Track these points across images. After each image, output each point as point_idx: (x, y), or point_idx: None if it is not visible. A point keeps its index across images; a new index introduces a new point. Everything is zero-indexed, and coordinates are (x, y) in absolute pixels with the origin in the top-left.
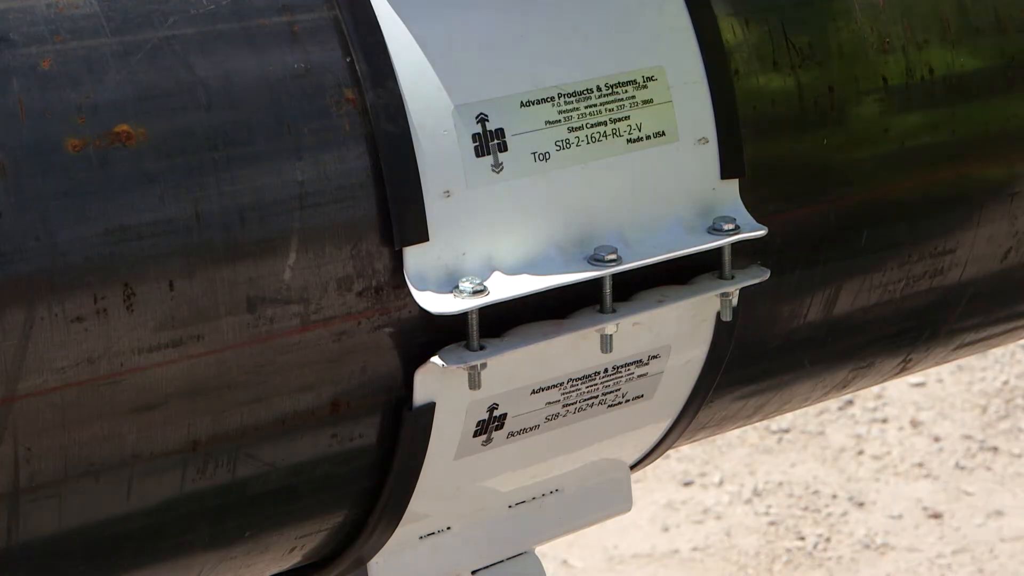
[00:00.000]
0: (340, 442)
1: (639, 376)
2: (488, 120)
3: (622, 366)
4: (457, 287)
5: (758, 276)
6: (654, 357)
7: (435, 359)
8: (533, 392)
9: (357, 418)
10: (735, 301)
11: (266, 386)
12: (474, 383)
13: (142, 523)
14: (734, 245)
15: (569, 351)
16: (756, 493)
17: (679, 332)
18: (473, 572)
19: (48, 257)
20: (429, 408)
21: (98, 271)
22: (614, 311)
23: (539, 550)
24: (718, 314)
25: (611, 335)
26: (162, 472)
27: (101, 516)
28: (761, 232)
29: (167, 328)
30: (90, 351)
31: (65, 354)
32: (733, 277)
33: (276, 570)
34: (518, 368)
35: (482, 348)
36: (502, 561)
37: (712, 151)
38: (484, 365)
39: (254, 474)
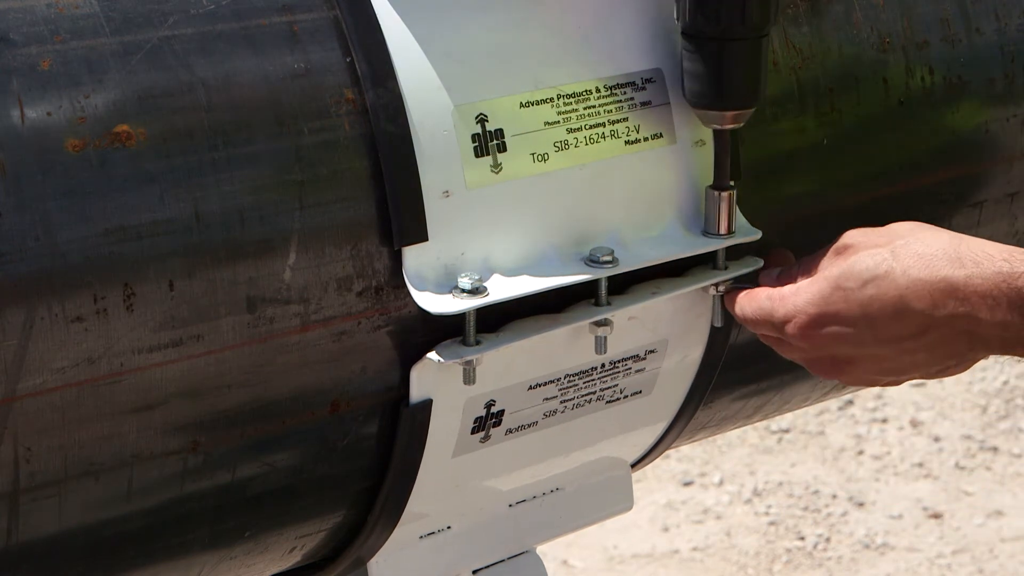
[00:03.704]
0: (340, 442)
1: (636, 372)
2: (487, 120)
3: (619, 361)
4: (456, 286)
5: (752, 266)
6: (651, 352)
7: (431, 355)
8: (530, 388)
9: (357, 418)
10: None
11: (266, 386)
12: (469, 378)
13: (142, 523)
14: (730, 248)
15: (565, 347)
16: (756, 493)
17: (676, 327)
18: (474, 572)
19: (48, 257)
20: (426, 405)
21: (98, 271)
22: (609, 303)
23: (538, 550)
24: None
25: (605, 336)
26: (162, 472)
27: (101, 516)
28: (754, 236)
29: (167, 328)
30: (90, 351)
31: (65, 354)
32: (727, 268)
33: (276, 570)
34: (514, 363)
35: (478, 343)
36: (503, 560)
37: (709, 153)
38: (480, 360)
39: (254, 474)
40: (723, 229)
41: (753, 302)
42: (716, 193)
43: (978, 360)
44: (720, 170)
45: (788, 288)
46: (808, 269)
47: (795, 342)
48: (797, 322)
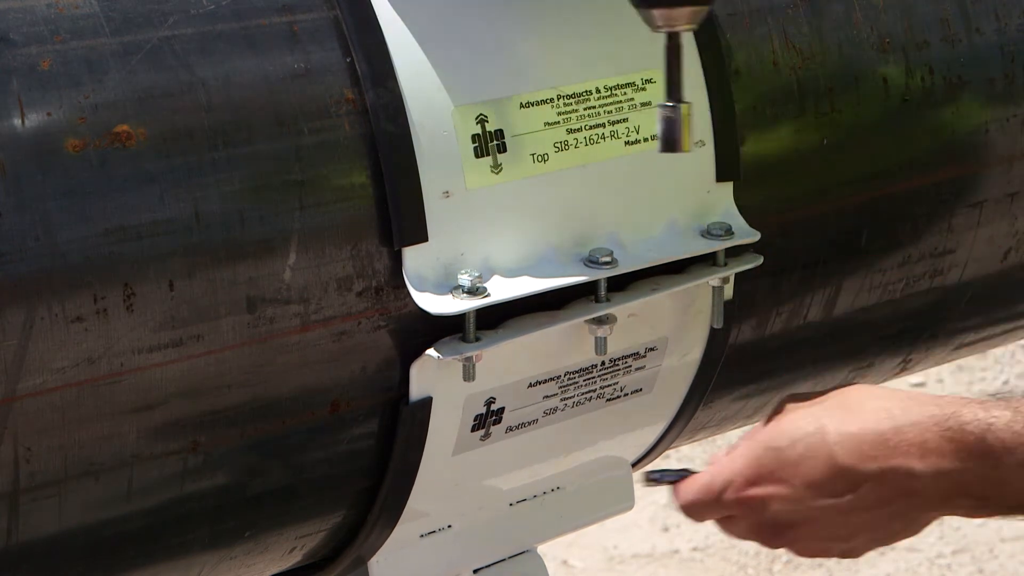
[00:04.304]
0: (340, 442)
1: (637, 369)
2: (488, 121)
3: (619, 359)
4: (456, 286)
5: (752, 262)
6: (651, 350)
7: (431, 351)
8: (530, 386)
9: (356, 418)
10: (729, 292)
11: (266, 386)
12: (469, 375)
13: (142, 523)
14: (729, 248)
15: (566, 344)
16: None
17: (675, 324)
18: (474, 571)
19: (48, 257)
20: (426, 403)
21: (98, 271)
22: (608, 300)
23: (539, 550)
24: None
25: (605, 338)
26: (162, 472)
27: (101, 516)
28: (754, 238)
29: (167, 328)
30: (90, 351)
31: (65, 354)
32: (726, 264)
33: (276, 570)
34: (514, 361)
35: (478, 340)
36: (504, 560)
37: (708, 154)
38: (479, 357)
39: (254, 474)
40: (680, 147)
41: (695, 483)
42: (673, 106)
43: (929, 522)
44: (675, 83)
45: (725, 458)
46: (746, 438)
47: (736, 510)
48: (735, 486)
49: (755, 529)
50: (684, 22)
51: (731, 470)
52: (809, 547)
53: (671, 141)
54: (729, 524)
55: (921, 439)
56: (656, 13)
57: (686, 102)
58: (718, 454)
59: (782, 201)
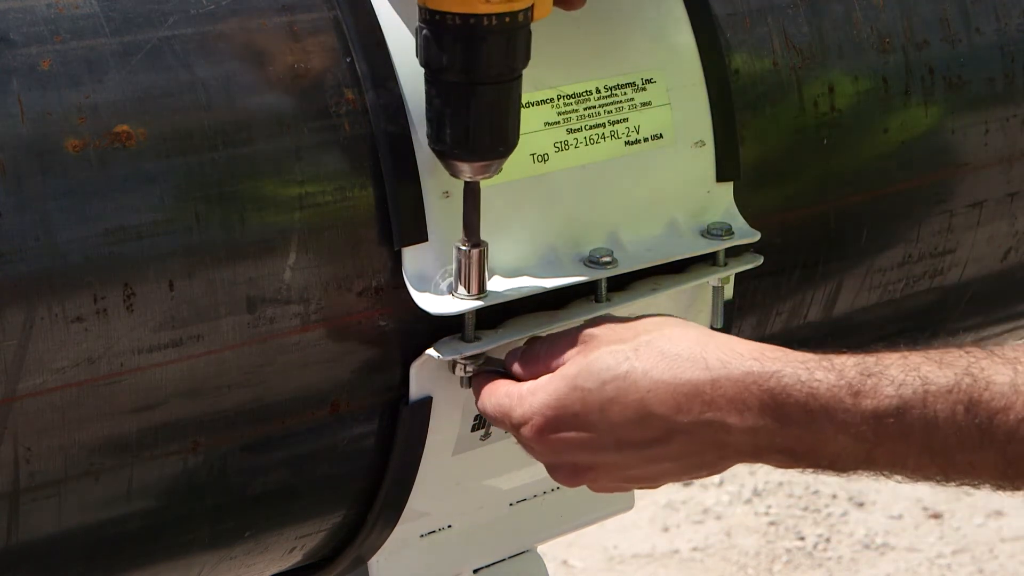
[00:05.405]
0: (340, 442)
1: None
2: None
3: None
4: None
5: (751, 262)
6: None
7: (430, 351)
8: None
9: (356, 418)
10: (729, 292)
11: (266, 386)
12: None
13: (142, 523)
14: (729, 248)
15: None
16: (756, 493)
17: None
18: (474, 571)
19: (48, 257)
20: (426, 403)
21: (98, 271)
22: (608, 300)
23: (538, 550)
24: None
25: None
26: (162, 472)
27: (101, 516)
28: (754, 238)
29: (167, 328)
30: (90, 351)
31: (65, 354)
32: (726, 264)
33: (276, 570)
34: None
35: (478, 339)
36: (504, 560)
37: (708, 154)
38: (479, 356)
39: (254, 474)
40: (473, 290)
41: (493, 397)
42: (467, 250)
43: (733, 464)
44: (471, 226)
45: (527, 386)
46: (551, 355)
47: (533, 446)
48: (533, 424)
49: (553, 467)
50: (480, 173)
51: (531, 406)
52: (607, 485)
53: (458, 280)
54: (527, 448)
55: (739, 396)
56: (460, 165)
57: (480, 245)
58: (515, 351)
59: (782, 201)
